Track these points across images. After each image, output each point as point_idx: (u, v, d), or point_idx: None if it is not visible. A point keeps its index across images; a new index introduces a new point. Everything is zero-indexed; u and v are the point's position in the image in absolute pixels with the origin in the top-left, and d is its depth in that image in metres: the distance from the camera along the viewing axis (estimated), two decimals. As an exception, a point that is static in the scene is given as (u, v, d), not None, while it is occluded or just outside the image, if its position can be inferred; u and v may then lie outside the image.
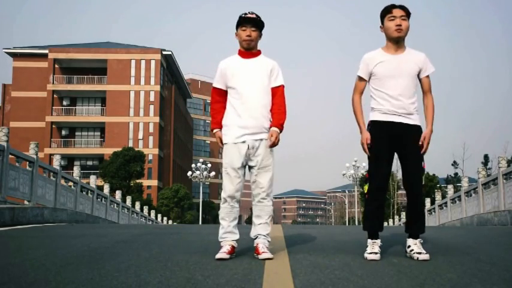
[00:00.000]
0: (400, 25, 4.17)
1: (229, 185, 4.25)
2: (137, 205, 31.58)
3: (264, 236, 4.25)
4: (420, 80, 4.28)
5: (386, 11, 4.23)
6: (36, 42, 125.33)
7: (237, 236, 4.29)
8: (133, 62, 65.29)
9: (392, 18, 4.20)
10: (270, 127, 4.25)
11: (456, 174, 57.30)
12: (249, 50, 4.32)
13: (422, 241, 4.25)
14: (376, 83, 4.24)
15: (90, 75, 65.09)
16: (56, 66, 64.30)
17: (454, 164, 55.20)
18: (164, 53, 67.57)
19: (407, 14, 4.22)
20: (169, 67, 72.06)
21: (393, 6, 4.24)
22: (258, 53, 4.37)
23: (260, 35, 4.33)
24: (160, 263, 3.93)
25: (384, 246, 4.95)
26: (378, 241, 4.24)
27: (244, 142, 4.21)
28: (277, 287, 3.00)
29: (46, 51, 64.03)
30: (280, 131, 4.23)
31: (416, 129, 4.21)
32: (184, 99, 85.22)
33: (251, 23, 4.24)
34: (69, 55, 64.23)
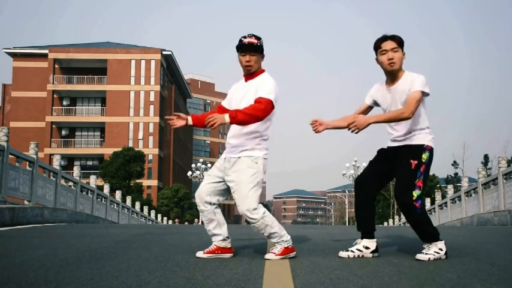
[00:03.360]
0: (392, 59, 4.12)
1: (200, 187, 4.38)
2: (137, 205, 31.59)
3: (276, 243, 4.22)
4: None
5: (377, 45, 4.20)
6: (36, 42, 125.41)
7: (219, 237, 4.29)
8: (133, 62, 65.30)
9: (384, 52, 4.15)
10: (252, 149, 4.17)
11: (456, 174, 57.28)
12: (250, 75, 4.25)
13: (437, 244, 4.14)
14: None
15: (90, 75, 65.10)
16: (56, 66, 64.31)
17: (454, 164, 55.19)
18: (164, 53, 67.58)
19: (400, 43, 4.16)
20: (169, 67, 72.06)
21: (384, 40, 4.18)
22: (259, 73, 4.25)
23: (262, 56, 4.23)
24: (160, 263, 3.93)
25: (384, 246, 4.96)
26: (364, 241, 4.27)
27: (225, 158, 4.30)
28: (277, 287, 3.00)
29: (46, 51, 64.03)
30: (231, 122, 3.98)
31: (405, 149, 4.18)
32: (184, 99, 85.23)
33: (249, 49, 4.14)
34: (69, 55, 64.24)
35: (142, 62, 65.35)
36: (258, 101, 4.06)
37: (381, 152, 4.42)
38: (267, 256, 4.13)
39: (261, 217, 4.12)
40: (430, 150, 4.18)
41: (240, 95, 4.27)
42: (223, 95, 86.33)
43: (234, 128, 4.24)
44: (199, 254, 4.28)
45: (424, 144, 4.16)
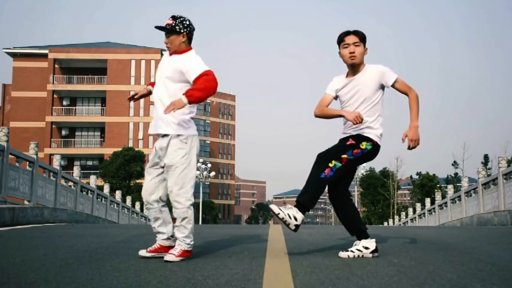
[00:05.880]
0: (353, 52, 4.25)
1: (143, 186, 4.31)
2: (137, 205, 31.60)
3: (180, 239, 4.13)
4: (394, 88, 4.28)
5: (340, 39, 4.32)
6: (36, 42, 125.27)
7: (163, 236, 4.28)
8: (133, 62, 65.30)
9: (346, 45, 4.28)
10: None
11: (456, 174, 57.27)
12: (174, 53, 4.29)
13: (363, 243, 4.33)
14: (341, 107, 4.40)
15: (90, 75, 65.10)
16: (56, 66, 64.31)
17: (454, 164, 55.19)
18: (164, 53, 67.47)
19: (362, 39, 4.29)
20: (169, 67, 72.00)
21: (346, 34, 4.31)
22: (185, 51, 4.27)
23: (183, 35, 4.24)
24: (161, 263, 3.93)
25: (384, 247, 4.96)
26: (363, 241, 4.30)
27: (156, 147, 4.23)
28: (277, 287, 3.00)
29: (46, 51, 64.02)
30: (189, 101, 3.97)
31: (353, 135, 4.25)
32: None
33: (165, 31, 4.25)
34: (69, 55, 64.24)
35: (142, 62, 65.36)
36: (205, 73, 4.06)
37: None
38: (167, 257, 4.02)
39: (188, 207, 4.11)
40: (374, 145, 4.23)
41: (161, 71, 4.29)
42: (223, 94, 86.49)
43: (160, 114, 4.17)
44: (142, 252, 4.27)
45: (369, 137, 4.23)
